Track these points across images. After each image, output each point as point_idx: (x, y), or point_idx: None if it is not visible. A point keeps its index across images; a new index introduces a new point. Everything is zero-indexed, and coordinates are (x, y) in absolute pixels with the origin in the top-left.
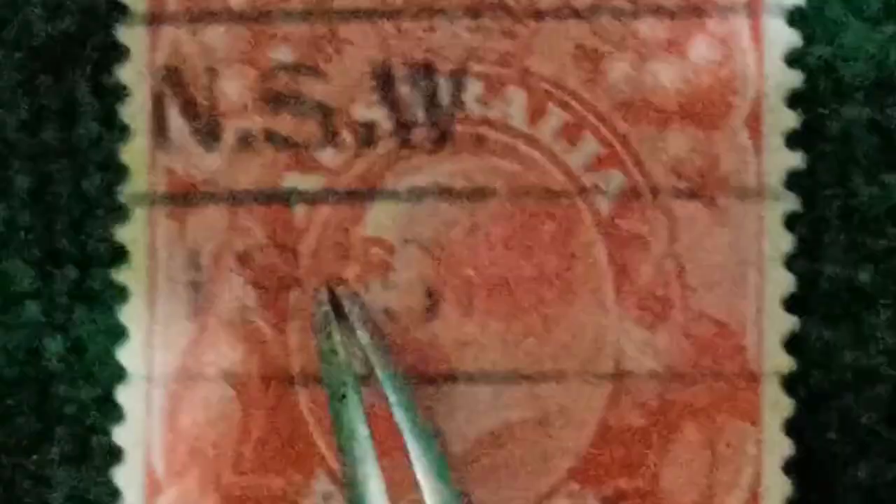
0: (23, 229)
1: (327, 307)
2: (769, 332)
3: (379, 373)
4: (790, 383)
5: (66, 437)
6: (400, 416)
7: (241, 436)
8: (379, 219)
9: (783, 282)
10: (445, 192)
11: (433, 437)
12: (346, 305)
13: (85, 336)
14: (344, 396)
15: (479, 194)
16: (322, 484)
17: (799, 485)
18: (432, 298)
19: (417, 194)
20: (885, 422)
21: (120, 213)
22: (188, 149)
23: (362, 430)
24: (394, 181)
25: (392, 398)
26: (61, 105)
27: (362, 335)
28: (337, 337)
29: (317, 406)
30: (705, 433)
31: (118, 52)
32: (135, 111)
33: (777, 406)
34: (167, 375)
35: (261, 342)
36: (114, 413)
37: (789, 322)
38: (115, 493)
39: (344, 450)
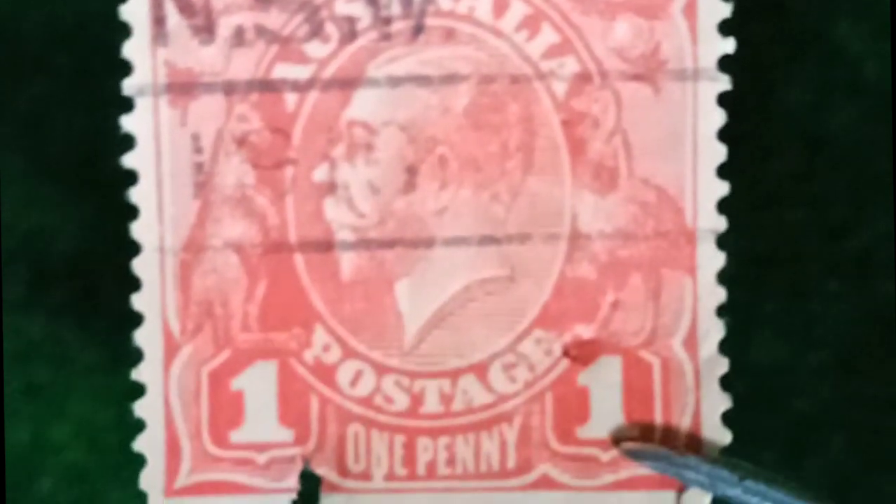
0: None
1: None
2: (703, 195)
3: None
4: (722, 240)
5: None
6: None
7: (247, 297)
8: (362, 104)
9: (716, 152)
10: (420, 79)
11: None
12: None
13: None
14: None
15: (450, 80)
16: (320, 336)
17: (730, 326)
18: (410, 173)
19: (395, 81)
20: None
21: (126, 103)
22: (186, 43)
23: None
24: (374, 70)
25: None
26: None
27: None
28: None
29: (312, 269)
30: (649, 284)
31: None
32: (135, 10)
33: (711, 260)
34: (177, 247)
35: (260, 215)
36: (131, 283)
37: (721, 187)
38: (137, 353)
39: None
